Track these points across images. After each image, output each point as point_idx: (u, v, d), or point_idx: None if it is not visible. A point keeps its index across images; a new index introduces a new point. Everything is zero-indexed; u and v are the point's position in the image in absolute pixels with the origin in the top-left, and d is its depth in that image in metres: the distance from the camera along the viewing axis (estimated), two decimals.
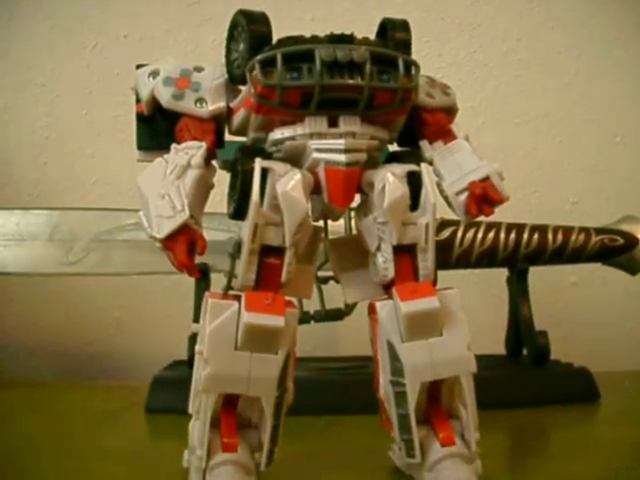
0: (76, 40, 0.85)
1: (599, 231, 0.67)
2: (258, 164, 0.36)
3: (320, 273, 0.47)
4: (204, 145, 0.37)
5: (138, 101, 0.39)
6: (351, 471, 0.43)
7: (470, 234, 0.65)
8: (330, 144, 0.36)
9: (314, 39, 0.36)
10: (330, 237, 0.42)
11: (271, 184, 0.35)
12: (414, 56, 0.38)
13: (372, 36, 0.38)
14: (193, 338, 0.39)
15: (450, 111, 0.41)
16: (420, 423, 0.37)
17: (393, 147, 0.41)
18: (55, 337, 0.82)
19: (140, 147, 0.40)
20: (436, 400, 0.38)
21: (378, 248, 0.37)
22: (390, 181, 0.36)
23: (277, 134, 0.37)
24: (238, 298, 0.36)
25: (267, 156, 0.37)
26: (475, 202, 0.38)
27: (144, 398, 0.58)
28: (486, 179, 0.39)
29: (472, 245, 0.65)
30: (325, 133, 0.36)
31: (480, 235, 0.65)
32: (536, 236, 0.65)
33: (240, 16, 0.37)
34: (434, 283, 0.38)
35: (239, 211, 0.36)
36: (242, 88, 0.38)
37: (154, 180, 0.36)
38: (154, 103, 0.38)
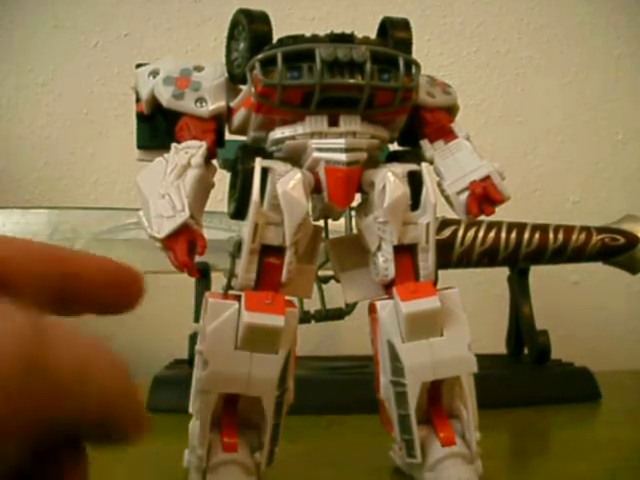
0: (77, 39, 0.85)
1: (600, 230, 0.67)
2: (258, 163, 0.35)
3: (320, 272, 0.48)
4: (204, 144, 0.36)
5: (138, 100, 0.39)
6: (351, 471, 0.42)
7: (471, 233, 0.64)
8: (330, 143, 0.36)
9: (314, 38, 0.36)
10: (330, 236, 0.42)
11: (271, 183, 0.35)
12: (415, 55, 0.37)
13: (373, 35, 0.38)
14: (194, 337, 0.39)
15: (451, 110, 0.41)
16: (421, 423, 0.37)
17: (394, 146, 0.41)
18: None
19: (140, 146, 0.39)
20: (437, 400, 0.38)
21: (379, 248, 0.37)
22: (391, 180, 0.36)
23: (277, 133, 0.37)
24: (238, 298, 0.36)
25: (267, 155, 0.37)
26: (476, 202, 0.38)
27: (145, 397, 0.58)
28: (487, 178, 0.38)
29: (473, 244, 0.64)
30: (325, 132, 0.36)
31: (481, 234, 0.65)
32: (537, 235, 0.65)
33: (240, 15, 0.37)
34: (435, 283, 0.37)
35: (239, 210, 0.36)
36: (242, 87, 0.38)
37: (154, 179, 0.35)
38: (154, 102, 0.38)
